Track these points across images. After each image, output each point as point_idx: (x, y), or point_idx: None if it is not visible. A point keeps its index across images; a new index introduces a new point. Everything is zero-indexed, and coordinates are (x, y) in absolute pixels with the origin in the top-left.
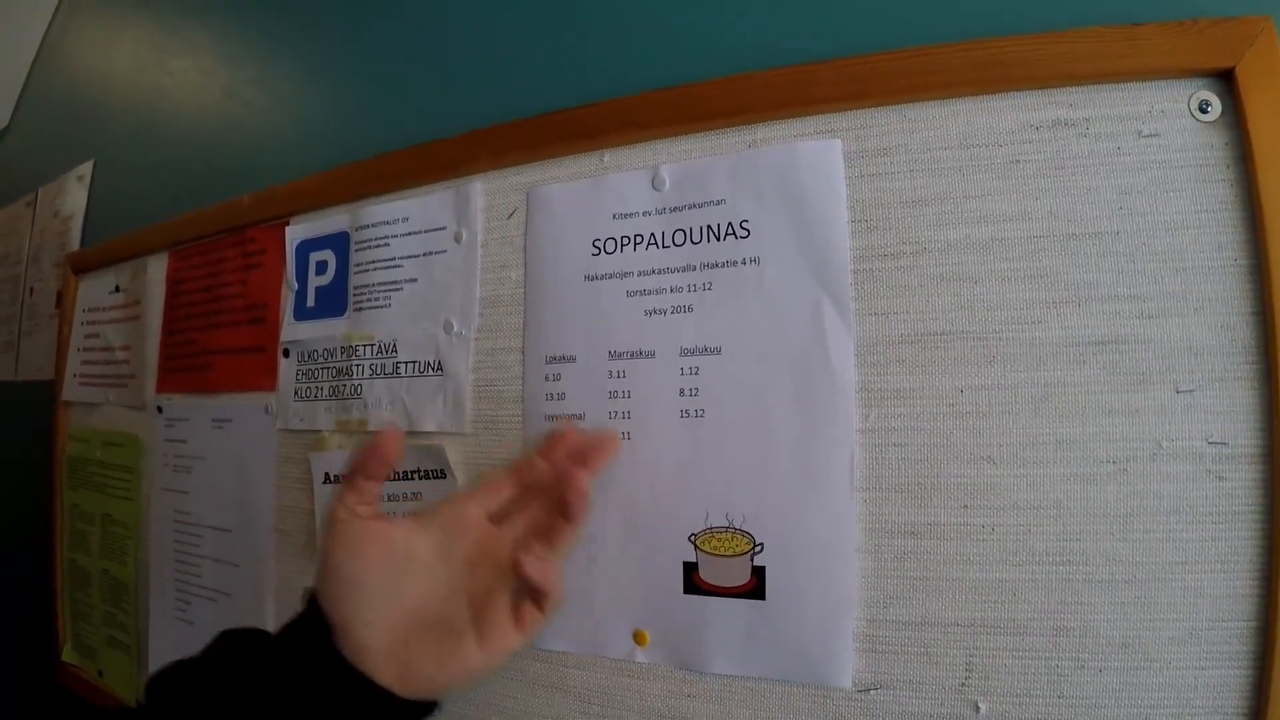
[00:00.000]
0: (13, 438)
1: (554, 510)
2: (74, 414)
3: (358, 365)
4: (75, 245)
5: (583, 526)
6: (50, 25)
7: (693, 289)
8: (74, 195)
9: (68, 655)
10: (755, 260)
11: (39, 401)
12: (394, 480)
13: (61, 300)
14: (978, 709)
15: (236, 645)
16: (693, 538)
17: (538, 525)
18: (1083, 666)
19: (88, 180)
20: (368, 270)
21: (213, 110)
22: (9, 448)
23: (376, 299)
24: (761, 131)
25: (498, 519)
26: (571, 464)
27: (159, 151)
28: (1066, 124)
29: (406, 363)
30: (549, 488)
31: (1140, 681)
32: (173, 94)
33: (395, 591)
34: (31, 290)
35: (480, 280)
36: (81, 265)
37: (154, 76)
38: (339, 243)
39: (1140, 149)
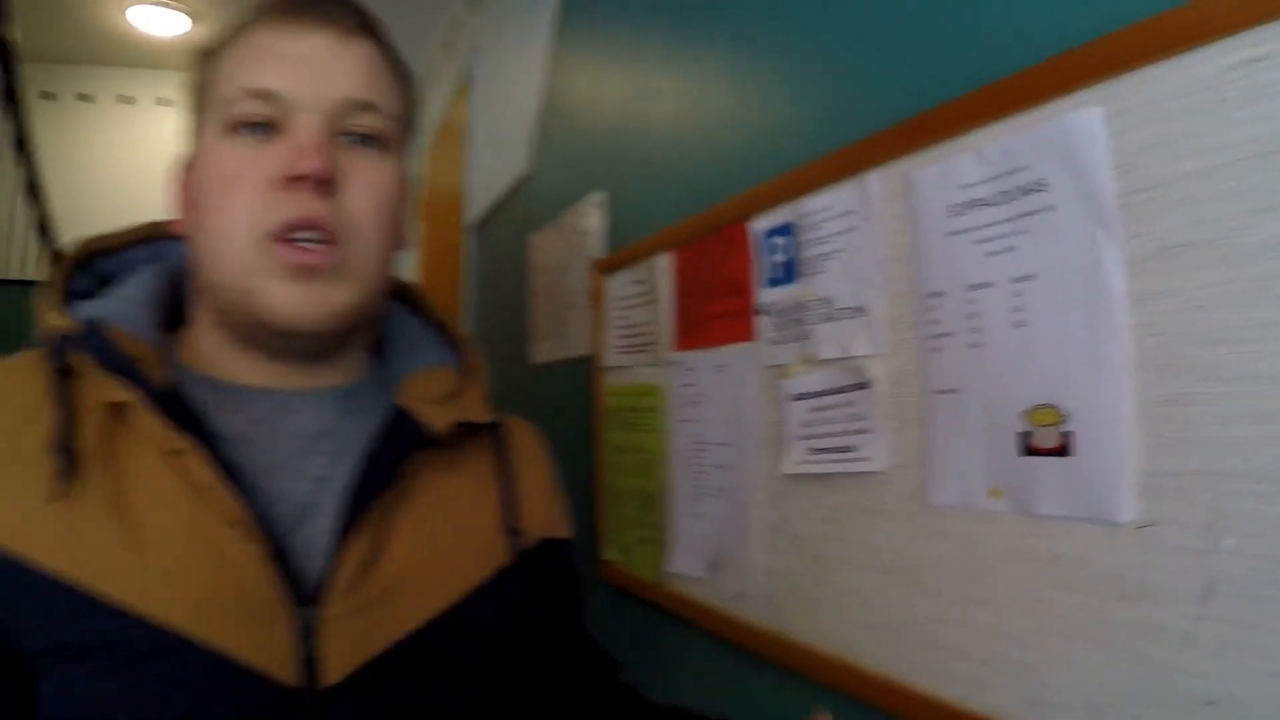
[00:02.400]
0: (563, 399)
1: None
2: (609, 376)
3: (809, 315)
4: (599, 254)
5: None
6: (547, 85)
7: (1013, 234)
8: (593, 217)
9: (607, 554)
10: (1051, 208)
11: (580, 371)
12: (834, 393)
13: (594, 295)
14: (1224, 545)
15: None
16: (1024, 413)
17: None
18: None
19: (603, 205)
20: (809, 247)
21: (688, 136)
22: (562, 407)
23: (816, 267)
24: (1048, 109)
25: None
26: None
27: (653, 175)
28: (1256, 60)
29: (840, 309)
30: None
31: None
32: (656, 126)
33: None
34: (569, 290)
35: (882, 244)
36: (607, 268)
37: (638, 101)
38: (787, 230)
39: None
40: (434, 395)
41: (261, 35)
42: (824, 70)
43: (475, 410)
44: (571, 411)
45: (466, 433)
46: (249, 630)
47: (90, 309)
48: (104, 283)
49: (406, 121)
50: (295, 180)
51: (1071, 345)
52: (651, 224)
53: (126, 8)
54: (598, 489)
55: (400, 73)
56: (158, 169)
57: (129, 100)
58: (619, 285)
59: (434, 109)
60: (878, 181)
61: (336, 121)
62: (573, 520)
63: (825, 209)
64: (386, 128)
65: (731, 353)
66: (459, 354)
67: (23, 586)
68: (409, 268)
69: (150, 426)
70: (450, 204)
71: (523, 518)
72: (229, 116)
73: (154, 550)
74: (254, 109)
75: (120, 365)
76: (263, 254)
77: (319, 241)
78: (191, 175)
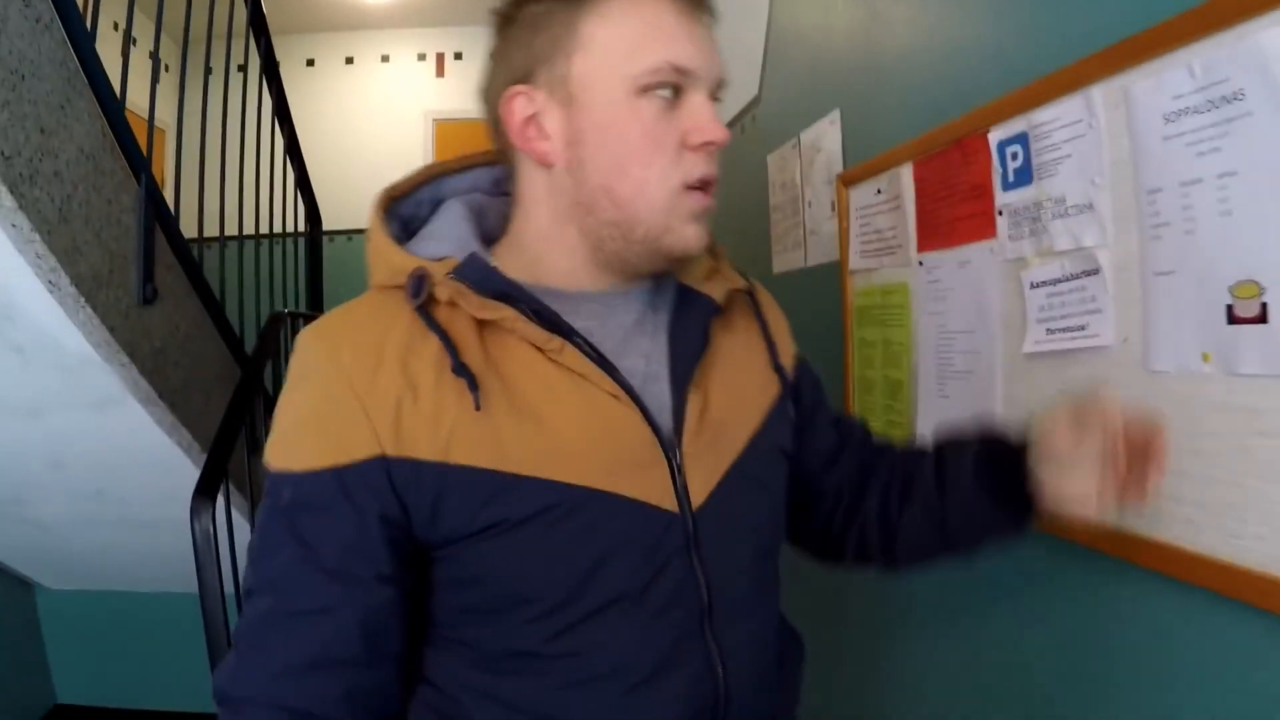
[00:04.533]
0: (811, 303)
1: (1138, 469)
2: (856, 279)
3: (1044, 213)
4: (838, 168)
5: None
6: (771, 4)
7: (1218, 138)
8: (828, 135)
9: None
10: (1249, 114)
11: (826, 277)
12: (1068, 280)
13: (837, 206)
14: None
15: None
16: (1230, 288)
17: (1123, 459)
18: None
19: (838, 123)
20: (1042, 154)
21: (919, 54)
22: (811, 310)
23: (1050, 171)
24: (1243, 29)
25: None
26: (1152, 464)
27: (886, 93)
28: None
29: (1071, 206)
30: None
31: None
32: (887, 46)
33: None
34: (809, 204)
35: (1106, 148)
36: (849, 180)
37: (868, 26)
38: (1022, 139)
39: None
40: (702, 274)
41: (668, 12)
42: None
43: (734, 279)
44: (821, 313)
45: (731, 297)
46: (640, 476)
47: (430, 247)
48: (405, 223)
49: None
50: (710, 145)
51: (1267, 230)
52: (887, 139)
53: None
54: (848, 381)
55: None
56: (378, 120)
57: (350, 61)
58: (862, 196)
59: None
60: (1101, 94)
61: (712, 95)
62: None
63: (1055, 119)
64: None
65: (974, 250)
66: None
67: (462, 484)
68: None
69: (528, 333)
70: None
71: (780, 355)
72: (647, 81)
73: (557, 431)
74: (671, 79)
75: (500, 286)
76: (682, 199)
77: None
78: (563, 112)
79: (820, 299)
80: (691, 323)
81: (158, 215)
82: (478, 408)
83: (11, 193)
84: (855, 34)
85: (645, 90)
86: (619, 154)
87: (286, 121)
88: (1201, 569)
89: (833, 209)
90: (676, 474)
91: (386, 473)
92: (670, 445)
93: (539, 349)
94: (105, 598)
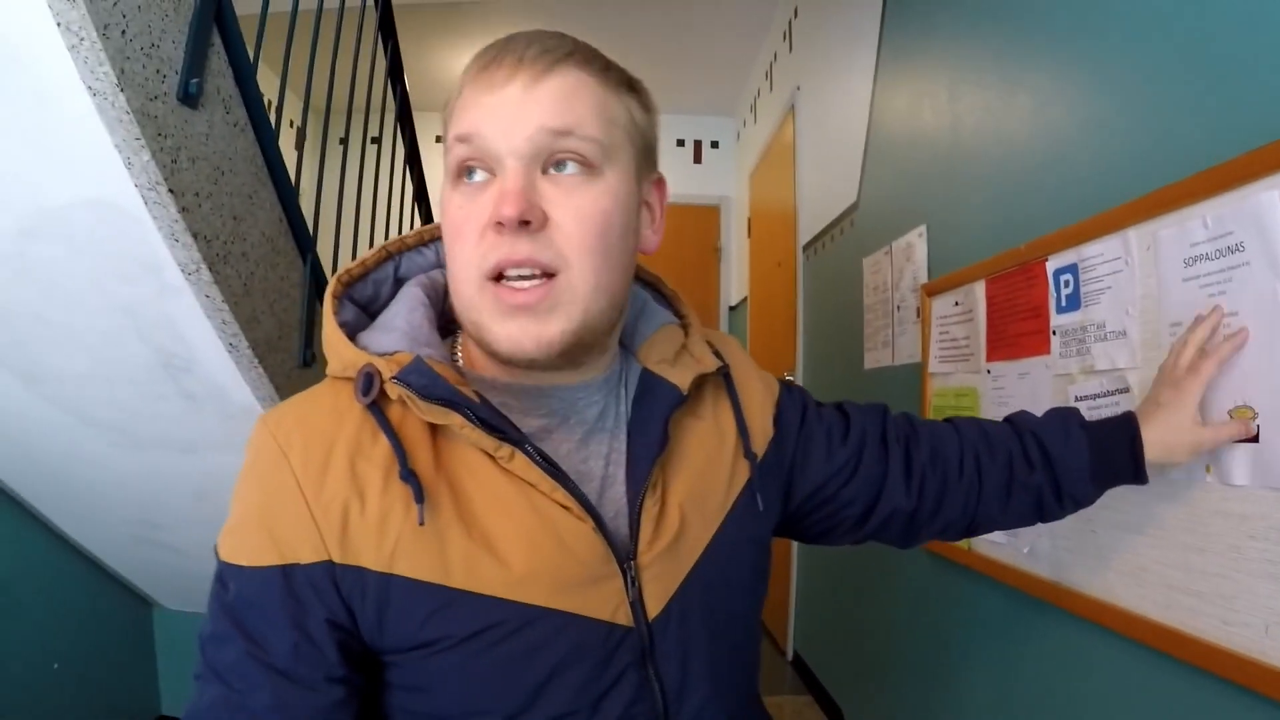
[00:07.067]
0: (894, 399)
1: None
2: (935, 380)
3: (1088, 336)
4: (924, 278)
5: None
6: (870, 120)
7: (1224, 281)
8: (917, 247)
9: None
10: (1248, 264)
11: (910, 376)
12: (1105, 395)
13: (921, 313)
14: None
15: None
16: (1230, 411)
17: None
18: None
19: (925, 236)
20: (1088, 284)
21: (995, 180)
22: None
23: (1094, 299)
24: (1244, 191)
25: None
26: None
27: (966, 214)
28: None
29: (1110, 332)
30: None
31: None
32: (968, 169)
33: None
34: (898, 307)
35: (1138, 284)
36: (931, 290)
37: (951, 155)
38: (1073, 270)
39: None
40: (669, 355)
41: (469, 88)
42: (1096, 140)
43: (705, 361)
44: (901, 409)
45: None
46: (591, 591)
47: (383, 340)
48: (363, 307)
49: (628, 132)
50: (500, 225)
51: (1260, 362)
52: (964, 255)
53: None
54: None
55: (612, 87)
56: None
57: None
58: (942, 306)
59: (763, 130)
60: (1135, 237)
61: (539, 158)
62: None
63: (1099, 255)
64: (590, 149)
65: (1031, 364)
66: (674, 308)
67: (405, 596)
68: (741, 282)
69: (478, 440)
70: (777, 219)
71: (754, 439)
72: (450, 164)
73: (504, 545)
74: (461, 154)
75: (444, 394)
76: (485, 293)
77: (533, 277)
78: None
79: (903, 395)
80: (651, 415)
81: (318, 290)
82: (421, 523)
83: (210, 270)
84: (941, 151)
85: (455, 176)
86: (447, 246)
87: (417, 169)
88: (1198, 650)
89: (917, 315)
90: (630, 585)
91: (333, 579)
92: (625, 555)
93: (490, 455)
94: None
